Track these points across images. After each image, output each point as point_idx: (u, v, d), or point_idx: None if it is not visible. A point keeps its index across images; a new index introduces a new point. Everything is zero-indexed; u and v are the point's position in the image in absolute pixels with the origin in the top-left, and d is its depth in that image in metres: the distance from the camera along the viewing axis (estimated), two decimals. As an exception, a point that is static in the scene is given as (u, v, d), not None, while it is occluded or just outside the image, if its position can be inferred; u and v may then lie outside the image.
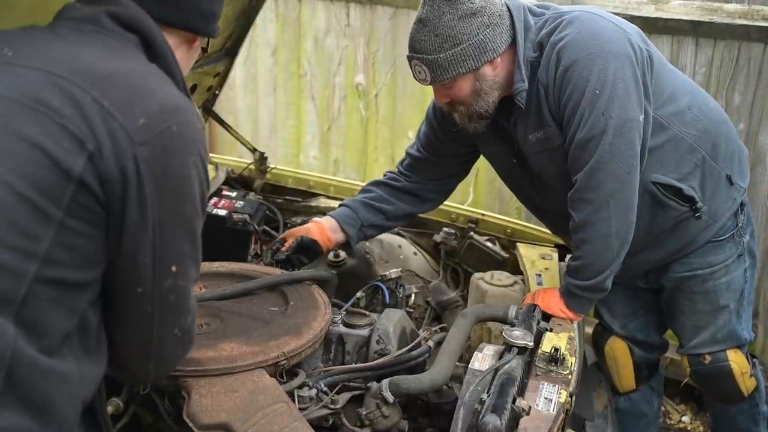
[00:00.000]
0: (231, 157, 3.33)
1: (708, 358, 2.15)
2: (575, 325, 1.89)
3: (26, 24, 1.29)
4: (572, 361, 1.67)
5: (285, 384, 1.57)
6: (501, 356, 1.63)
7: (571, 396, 1.57)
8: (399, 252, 2.52)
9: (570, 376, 1.61)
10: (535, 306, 1.90)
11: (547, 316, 1.90)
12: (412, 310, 2.23)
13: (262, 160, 2.88)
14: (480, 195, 3.69)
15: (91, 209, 1.10)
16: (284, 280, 1.91)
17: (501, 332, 1.72)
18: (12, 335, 1.02)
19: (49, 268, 1.07)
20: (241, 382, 1.48)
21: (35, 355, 1.05)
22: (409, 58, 1.87)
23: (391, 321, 1.84)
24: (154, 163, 1.13)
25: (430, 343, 1.84)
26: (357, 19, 3.85)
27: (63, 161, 1.07)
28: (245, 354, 1.55)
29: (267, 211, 2.60)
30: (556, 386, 1.57)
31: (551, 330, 1.82)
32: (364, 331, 1.83)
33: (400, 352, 1.77)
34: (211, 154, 2.77)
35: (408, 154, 2.29)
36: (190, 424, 1.37)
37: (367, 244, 2.47)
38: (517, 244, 2.44)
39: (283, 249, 2.14)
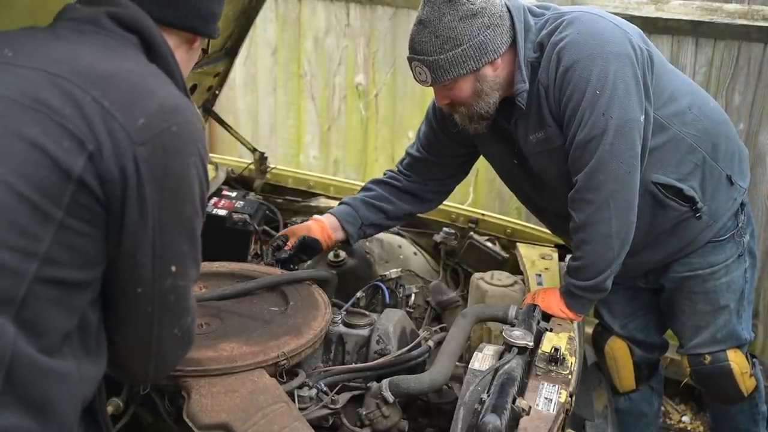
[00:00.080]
0: (231, 157, 3.33)
1: (708, 358, 2.16)
2: (575, 325, 1.89)
3: (26, 24, 1.29)
4: (572, 361, 1.67)
5: (285, 384, 1.57)
6: (501, 356, 1.63)
7: (571, 396, 1.57)
8: (399, 252, 2.52)
9: (570, 376, 1.61)
10: (535, 306, 1.90)
11: (547, 316, 1.90)
12: (412, 310, 2.23)
13: (262, 160, 2.88)
14: (480, 195, 3.69)
15: (91, 209, 1.10)
16: (284, 280, 1.90)
17: (501, 332, 1.72)
18: (12, 335, 1.02)
19: (49, 268, 1.07)
20: (241, 382, 1.48)
21: (35, 355, 1.05)
22: (410, 60, 1.87)
23: (391, 321, 1.84)
24: (154, 163, 1.13)
25: (430, 343, 1.84)
26: (357, 19, 3.85)
27: (63, 161, 1.07)
28: (245, 354, 1.55)
29: (267, 211, 2.60)
30: (556, 386, 1.57)
31: (551, 330, 1.82)
32: (364, 331, 1.83)
33: (400, 352, 1.77)
34: (211, 154, 2.77)
35: (408, 153, 2.29)
36: (190, 424, 1.37)
37: (367, 243, 2.47)
38: (517, 244, 2.44)
39: (286, 248, 2.14)
